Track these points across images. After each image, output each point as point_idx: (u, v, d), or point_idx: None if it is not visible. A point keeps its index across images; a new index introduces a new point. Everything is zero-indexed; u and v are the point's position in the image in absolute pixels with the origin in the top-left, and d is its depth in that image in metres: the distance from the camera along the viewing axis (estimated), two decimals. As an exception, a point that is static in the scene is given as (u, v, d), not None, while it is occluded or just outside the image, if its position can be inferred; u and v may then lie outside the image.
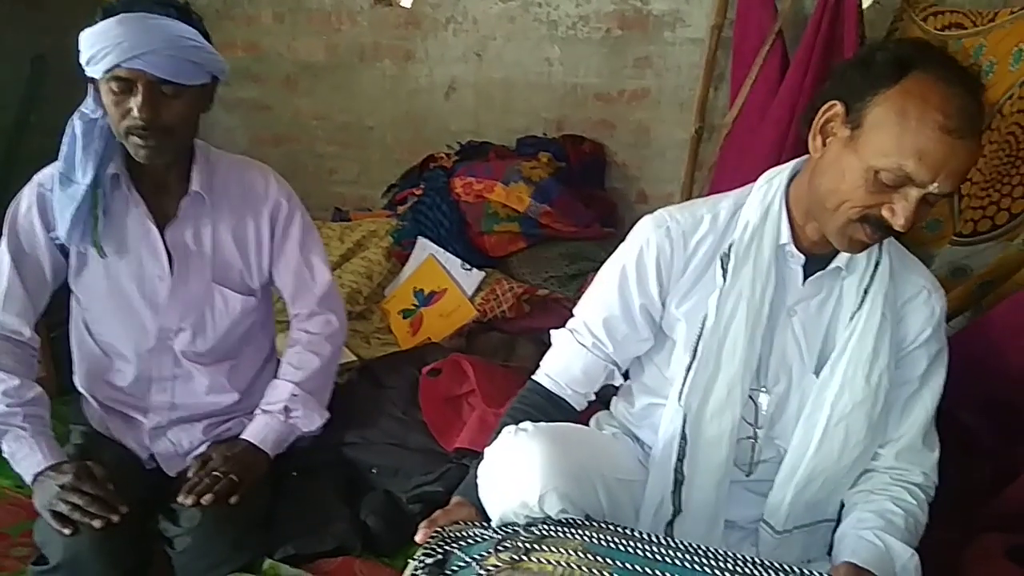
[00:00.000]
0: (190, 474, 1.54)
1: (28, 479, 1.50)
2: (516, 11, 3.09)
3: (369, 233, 2.97)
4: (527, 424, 1.24)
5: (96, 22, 1.42)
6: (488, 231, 2.78)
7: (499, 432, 1.27)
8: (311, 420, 1.70)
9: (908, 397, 1.29)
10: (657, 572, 0.98)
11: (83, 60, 1.44)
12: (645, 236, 1.32)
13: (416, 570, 1.07)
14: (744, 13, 2.59)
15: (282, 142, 3.63)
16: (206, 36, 1.50)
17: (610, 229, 2.85)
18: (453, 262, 2.72)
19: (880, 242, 1.21)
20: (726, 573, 0.99)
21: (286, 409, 1.66)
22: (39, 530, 1.46)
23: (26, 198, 1.58)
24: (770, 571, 1.00)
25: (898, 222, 1.10)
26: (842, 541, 1.24)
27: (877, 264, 1.25)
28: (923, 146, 1.06)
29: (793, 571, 1.01)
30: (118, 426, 1.67)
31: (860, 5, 2.22)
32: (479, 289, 2.65)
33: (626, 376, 1.47)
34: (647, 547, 1.03)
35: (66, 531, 1.40)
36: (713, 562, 1.00)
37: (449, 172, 2.95)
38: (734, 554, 1.03)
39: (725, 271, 1.26)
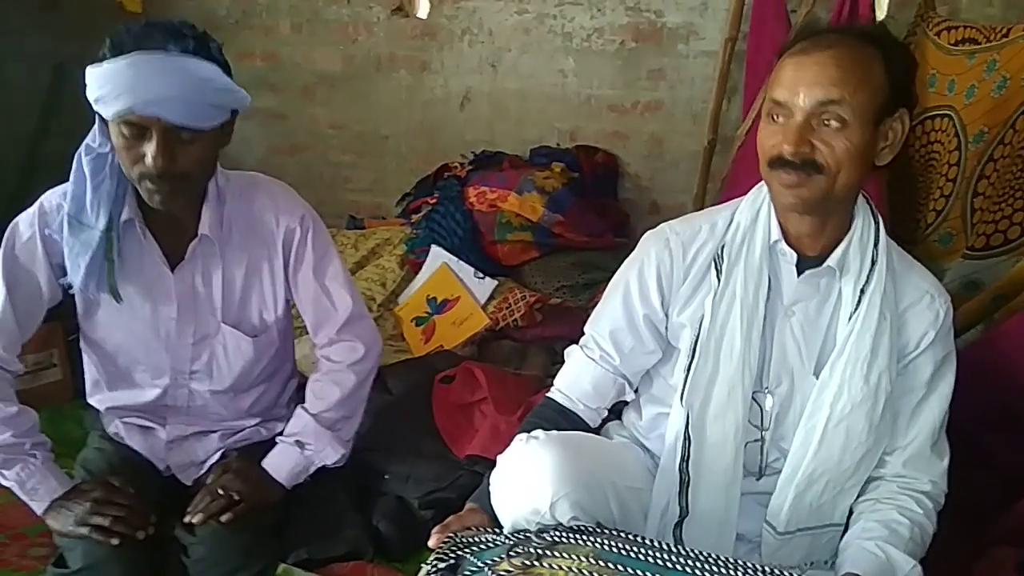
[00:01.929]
0: (204, 489, 1.53)
1: (43, 506, 1.46)
2: (531, 23, 3.12)
3: (383, 241, 2.99)
4: (538, 432, 1.25)
5: (103, 57, 1.30)
6: (501, 240, 2.80)
7: None
8: (326, 454, 1.62)
9: (916, 404, 1.29)
10: (668, 579, 0.99)
11: (90, 97, 1.33)
12: (646, 250, 1.38)
13: (429, 574, 1.09)
14: (758, 26, 2.61)
15: (298, 151, 3.66)
16: (225, 65, 1.39)
17: (622, 239, 2.87)
18: (466, 270, 2.74)
19: (814, 193, 1.19)
20: (737, 581, 0.99)
21: (299, 443, 1.61)
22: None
23: (28, 227, 1.47)
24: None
25: (787, 149, 1.16)
26: (845, 551, 1.25)
27: (873, 263, 1.25)
28: (780, 76, 1.19)
29: (803, 579, 1.02)
30: (134, 437, 1.66)
31: (874, 19, 2.23)
32: (492, 297, 2.66)
33: (637, 391, 1.49)
34: (659, 555, 1.03)
35: (113, 541, 1.39)
36: (724, 570, 1.01)
37: (463, 181, 2.98)
38: (744, 562, 1.03)
39: (719, 272, 1.30)
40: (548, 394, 1.46)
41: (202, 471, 1.64)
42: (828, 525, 1.30)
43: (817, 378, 1.28)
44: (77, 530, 1.41)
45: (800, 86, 1.15)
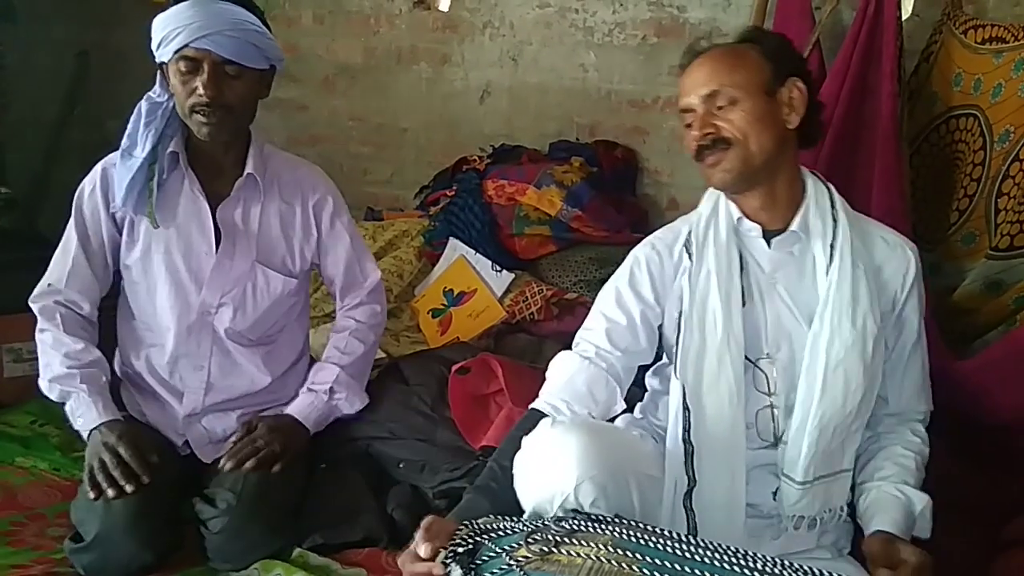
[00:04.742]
0: (234, 439, 1.62)
1: (85, 435, 1.59)
2: (552, 17, 3.11)
3: (401, 233, 2.99)
4: (563, 416, 1.30)
5: (167, 6, 1.57)
6: (519, 234, 2.79)
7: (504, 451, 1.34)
8: (352, 403, 1.80)
9: (911, 347, 1.42)
10: (686, 569, 0.99)
11: (155, 44, 1.59)
12: (635, 256, 1.50)
13: (446, 559, 1.09)
14: (782, 23, 2.59)
15: (318, 142, 3.67)
16: (266, 26, 1.66)
17: (640, 235, 2.81)
18: (483, 263, 2.74)
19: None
20: (755, 573, 0.99)
21: (331, 390, 1.76)
22: (76, 509, 1.51)
23: (90, 181, 1.70)
24: (798, 573, 1.00)
25: (696, 135, 1.36)
26: (866, 494, 1.35)
27: (835, 222, 1.36)
28: (679, 90, 1.43)
29: (821, 574, 1.01)
30: (153, 413, 1.71)
31: (899, 17, 2.21)
32: (508, 291, 2.66)
33: (630, 408, 1.53)
34: (676, 545, 1.03)
35: (91, 495, 1.47)
36: (742, 561, 1.01)
37: (481, 174, 2.97)
38: (763, 556, 1.03)
39: (691, 254, 1.41)
40: (533, 405, 1.44)
41: (220, 451, 1.67)
42: (840, 471, 1.36)
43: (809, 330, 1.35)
44: (91, 460, 1.52)
45: (690, 90, 1.38)
